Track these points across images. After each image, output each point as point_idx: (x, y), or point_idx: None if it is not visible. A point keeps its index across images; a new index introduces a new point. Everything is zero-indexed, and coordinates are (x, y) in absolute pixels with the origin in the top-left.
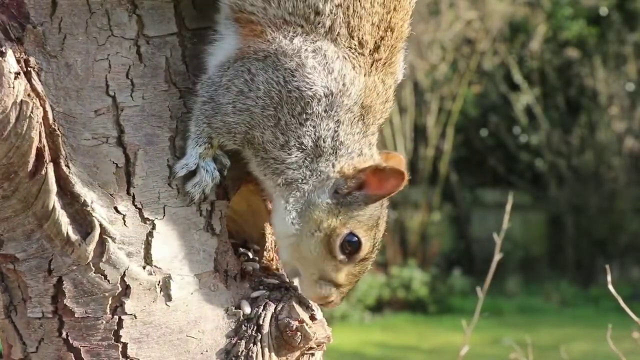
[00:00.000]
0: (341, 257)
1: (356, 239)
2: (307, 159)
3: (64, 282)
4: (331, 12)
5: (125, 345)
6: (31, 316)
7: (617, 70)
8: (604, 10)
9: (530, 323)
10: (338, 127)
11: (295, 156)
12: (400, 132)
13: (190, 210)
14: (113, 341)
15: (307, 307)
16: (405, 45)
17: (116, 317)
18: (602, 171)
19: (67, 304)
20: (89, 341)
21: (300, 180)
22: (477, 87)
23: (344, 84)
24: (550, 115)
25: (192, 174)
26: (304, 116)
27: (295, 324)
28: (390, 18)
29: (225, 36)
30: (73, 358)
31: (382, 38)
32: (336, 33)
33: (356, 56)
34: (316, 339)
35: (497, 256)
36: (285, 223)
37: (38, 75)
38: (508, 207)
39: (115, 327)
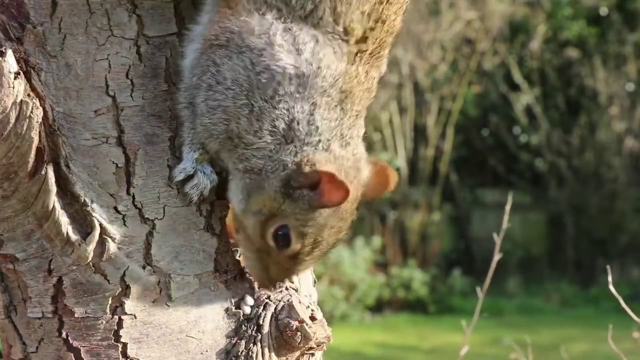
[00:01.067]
0: (272, 244)
1: (286, 234)
2: (276, 146)
3: (64, 282)
4: None
5: (125, 345)
6: (31, 316)
7: (617, 70)
8: (604, 10)
9: (530, 323)
10: (314, 109)
11: (265, 141)
12: (400, 132)
13: (190, 210)
14: (113, 341)
15: (307, 307)
16: (398, 43)
17: (116, 317)
18: (602, 171)
19: (67, 303)
20: (88, 341)
21: (258, 170)
22: (477, 87)
23: (318, 67)
24: (550, 115)
25: (190, 176)
26: (277, 98)
27: (295, 324)
28: (383, 9)
29: (196, 24)
30: (73, 358)
31: (371, 29)
32: (318, 17)
33: (339, 42)
34: (316, 339)
35: (497, 256)
36: (235, 199)
37: (38, 75)
38: (508, 207)
39: (115, 327)
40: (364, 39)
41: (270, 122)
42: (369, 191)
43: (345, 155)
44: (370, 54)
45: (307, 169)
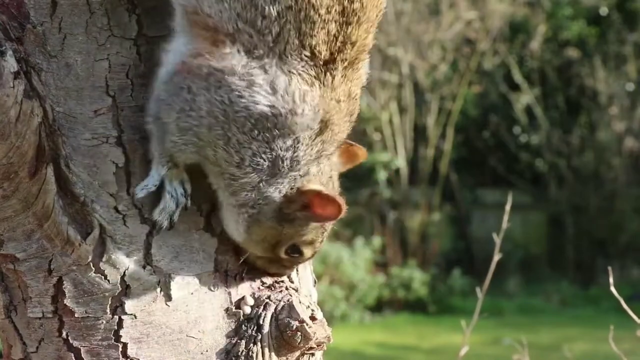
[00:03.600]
0: (285, 257)
1: (298, 249)
2: (262, 181)
3: (64, 282)
4: (279, 16)
5: (125, 345)
6: (31, 316)
7: (617, 70)
8: (604, 10)
9: (530, 323)
10: (297, 145)
11: (249, 177)
12: (400, 132)
13: (190, 210)
14: (113, 341)
15: (307, 307)
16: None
17: (116, 317)
18: (602, 171)
19: (67, 303)
20: (89, 341)
21: (250, 205)
22: (477, 87)
23: (293, 101)
24: (550, 115)
25: (157, 197)
26: (256, 132)
27: (295, 324)
28: (351, 31)
29: (178, 37)
30: (73, 358)
31: (339, 50)
32: (284, 42)
33: (307, 69)
34: (316, 338)
35: (497, 256)
36: (234, 233)
37: (38, 75)
38: (508, 207)
39: (116, 327)
40: (332, 60)
41: (251, 157)
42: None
43: (322, 170)
44: (342, 72)
45: (294, 195)
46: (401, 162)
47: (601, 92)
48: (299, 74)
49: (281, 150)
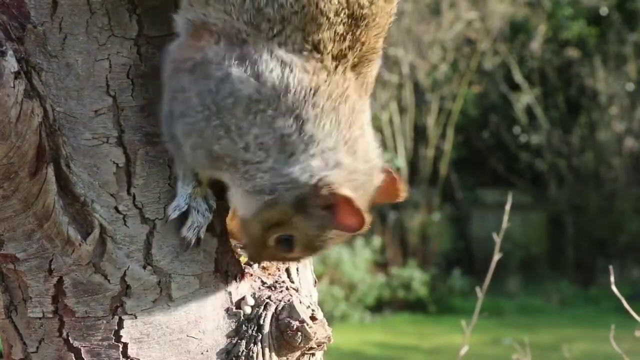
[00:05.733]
0: (272, 244)
1: (290, 241)
2: (277, 160)
3: (64, 282)
4: (284, 19)
5: (125, 345)
6: (31, 316)
7: (617, 70)
8: (604, 10)
9: (530, 323)
10: (301, 123)
11: (260, 157)
12: (400, 132)
13: None
14: (113, 341)
15: (307, 307)
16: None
17: (117, 317)
18: (602, 171)
19: (67, 303)
20: (89, 341)
21: (267, 191)
22: (478, 87)
23: (286, 85)
24: (551, 115)
25: (184, 214)
26: (251, 116)
27: (296, 324)
28: (361, 32)
29: (173, 39)
30: (73, 358)
31: (349, 47)
32: (286, 36)
33: (309, 58)
34: (317, 339)
35: (497, 256)
36: (241, 209)
37: (39, 75)
38: (508, 207)
39: (116, 327)
40: (343, 55)
41: (254, 138)
42: (375, 200)
43: (358, 168)
44: (352, 65)
45: (324, 191)
46: (401, 162)
47: (601, 92)
48: (292, 59)
49: (286, 129)
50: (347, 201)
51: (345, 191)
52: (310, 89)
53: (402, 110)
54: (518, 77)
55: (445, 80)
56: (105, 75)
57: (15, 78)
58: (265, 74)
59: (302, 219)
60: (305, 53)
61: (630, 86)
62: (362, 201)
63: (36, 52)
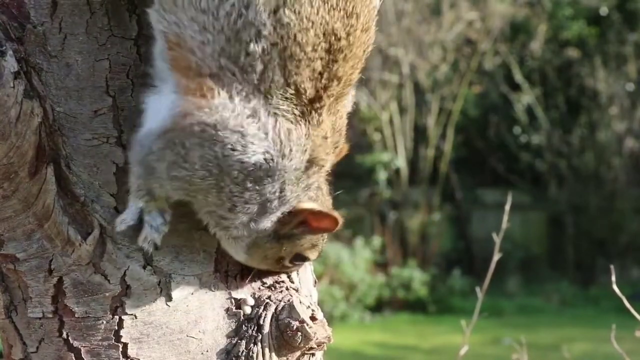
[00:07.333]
0: (290, 265)
1: (303, 256)
2: (252, 221)
3: (64, 282)
4: (264, 53)
5: (125, 345)
6: (31, 316)
7: (617, 70)
8: (604, 10)
9: (530, 323)
10: (284, 186)
11: (240, 219)
12: (400, 132)
13: (190, 209)
14: (113, 341)
15: (307, 307)
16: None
17: (117, 317)
18: (602, 171)
19: (67, 304)
20: (89, 341)
21: (244, 237)
22: (478, 87)
23: (282, 144)
24: (551, 115)
25: (138, 227)
26: (248, 183)
27: (295, 324)
28: (338, 68)
29: (161, 89)
30: (73, 358)
31: (324, 88)
32: (269, 81)
33: (292, 108)
34: (317, 339)
35: (497, 256)
36: (235, 256)
37: (38, 75)
38: (508, 207)
39: (116, 327)
40: (318, 98)
41: (242, 204)
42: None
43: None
44: (328, 107)
45: (287, 217)
46: (401, 162)
47: (601, 92)
48: (283, 115)
49: (270, 194)
50: (311, 212)
51: (304, 205)
52: (301, 149)
53: (402, 110)
54: (518, 77)
55: (445, 80)
56: (105, 75)
57: (15, 78)
58: (270, 132)
59: (289, 243)
60: (288, 100)
61: (631, 86)
62: (323, 204)
63: (36, 52)
